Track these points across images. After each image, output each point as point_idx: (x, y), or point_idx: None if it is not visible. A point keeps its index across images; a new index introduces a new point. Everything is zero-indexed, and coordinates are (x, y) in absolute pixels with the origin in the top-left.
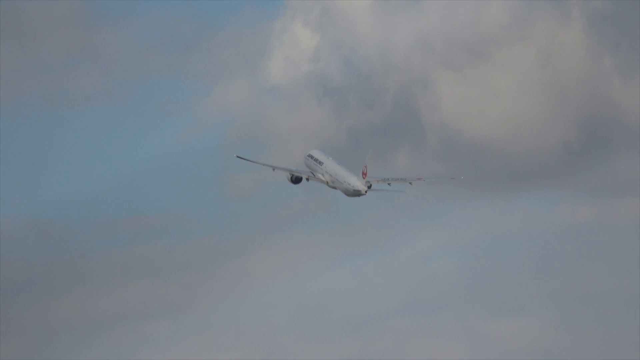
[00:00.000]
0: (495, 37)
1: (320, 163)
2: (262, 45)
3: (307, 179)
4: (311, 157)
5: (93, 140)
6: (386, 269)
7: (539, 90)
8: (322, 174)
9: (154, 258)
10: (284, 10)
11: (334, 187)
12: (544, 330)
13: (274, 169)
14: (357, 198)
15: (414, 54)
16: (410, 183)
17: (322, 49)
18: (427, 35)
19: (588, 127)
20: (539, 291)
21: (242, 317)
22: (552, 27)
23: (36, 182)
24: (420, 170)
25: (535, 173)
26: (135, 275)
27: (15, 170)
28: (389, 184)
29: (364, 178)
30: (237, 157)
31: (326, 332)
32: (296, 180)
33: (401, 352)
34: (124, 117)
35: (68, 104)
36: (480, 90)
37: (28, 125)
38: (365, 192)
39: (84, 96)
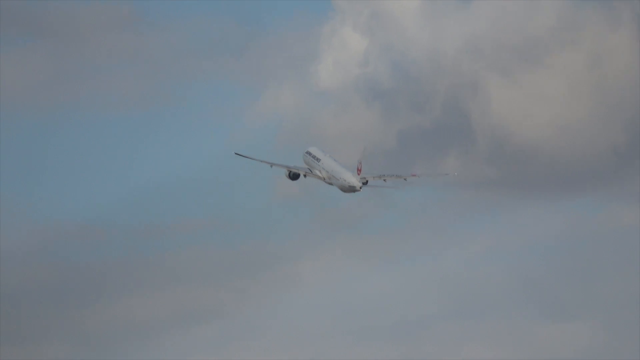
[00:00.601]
0: (545, 41)
1: (318, 160)
2: (312, 49)
3: (305, 175)
4: (309, 154)
5: (143, 143)
6: (434, 272)
7: (588, 94)
8: (319, 171)
9: (204, 262)
10: (333, 14)
11: (330, 183)
12: (590, 335)
13: (271, 165)
14: (352, 194)
15: (463, 57)
16: (404, 179)
17: (371, 52)
18: (476, 39)
19: (637, 131)
20: (585, 295)
21: (291, 322)
22: (602, 31)
23: (86, 186)
24: (469, 174)
25: (584, 177)
26: (185, 279)
27: (64, 174)
28: (384, 180)
29: (358, 174)
30: (236, 154)
31: (374, 336)
32: (294, 176)
33: (448, 356)
34: (174, 121)
35: (118, 108)
36: (530, 94)
37: (78, 129)
38: (360, 188)
39: (134, 100)
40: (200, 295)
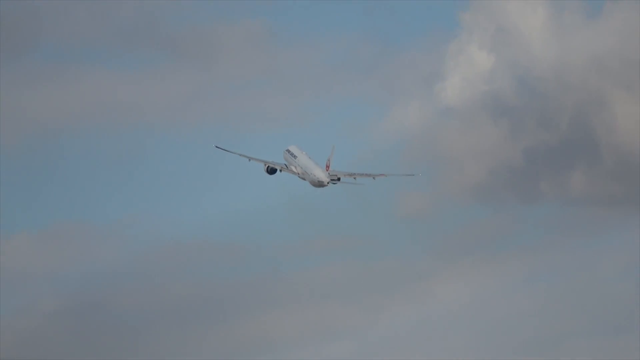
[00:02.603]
0: None
1: (295, 157)
2: (438, 67)
3: (281, 170)
4: (289, 151)
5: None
6: (567, 290)
7: None
8: (295, 167)
9: (339, 279)
10: (460, 32)
11: (304, 179)
12: None
13: (249, 160)
14: (322, 188)
15: (589, 74)
16: (373, 178)
17: (497, 69)
18: (602, 55)
19: None
20: None
21: (425, 339)
22: None
23: (222, 204)
24: (596, 191)
25: None
26: (321, 296)
27: (196, 191)
28: (354, 178)
29: (327, 170)
30: (216, 147)
31: (509, 353)
32: (271, 171)
33: None
34: (303, 138)
35: (250, 126)
36: None
37: (213, 145)
38: (328, 183)
39: (266, 118)
40: (334, 312)
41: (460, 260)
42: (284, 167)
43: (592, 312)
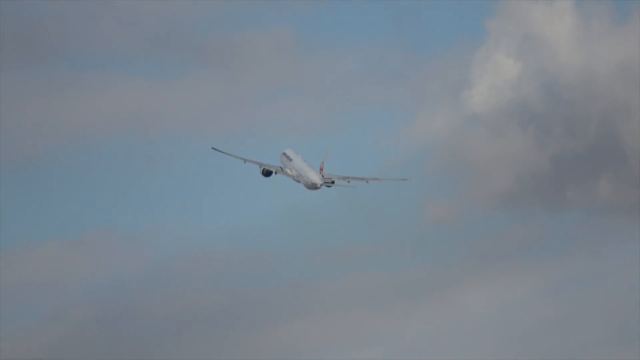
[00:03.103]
0: None
1: (290, 160)
2: (465, 74)
3: (276, 173)
4: (285, 154)
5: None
6: (594, 298)
7: None
8: (290, 169)
9: (367, 287)
10: (486, 39)
11: (298, 181)
12: None
13: (245, 162)
14: (316, 191)
15: (616, 81)
16: (367, 182)
17: (524, 76)
18: (630, 61)
19: None
20: None
21: (452, 346)
22: None
23: (248, 212)
24: (623, 199)
25: None
26: (349, 304)
27: (226, 200)
28: (348, 181)
29: (320, 173)
30: (213, 148)
31: None
32: (267, 173)
33: None
34: (329, 145)
35: (276, 134)
36: None
37: (241, 154)
38: (321, 185)
39: (293, 126)
40: (362, 320)
41: (487, 268)
42: (280, 169)
43: (620, 320)
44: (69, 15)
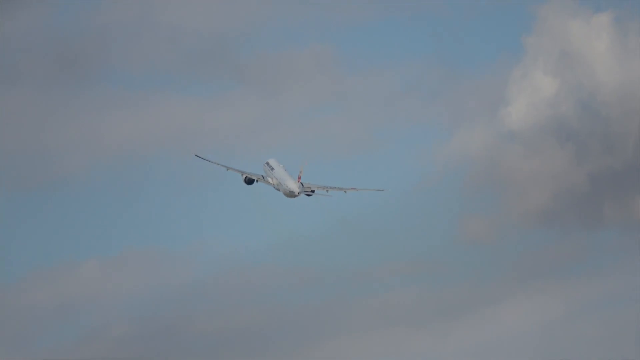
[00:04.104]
0: None
1: (272, 169)
2: (503, 91)
3: (257, 181)
4: (267, 164)
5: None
6: (633, 314)
7: None
8: (271, 178)
9: (408, 304)
10: (524, 56)
11: (278, 189)
12: None
13: (227, 169)
14: (294, 199)
15: None
16: (345, 191)
17: (561, 93)
18: None
19: None
20: None
21: None
22: None
23: (292, 228)
24: None
25: None
26: (389, 322)
27: (265, 215)
28: (327, 190)
29: (299, 181)
30: (196, 155)
31: None
32: (249, 181)
33: None
34: (368, 162)
35: (317, 152)
36: None
37: None
38: (299, 193)
39: (332, 143)
40: (403, 337)
41: (527, 286)
42: (261, 177)
43: None
44: (110, 33)
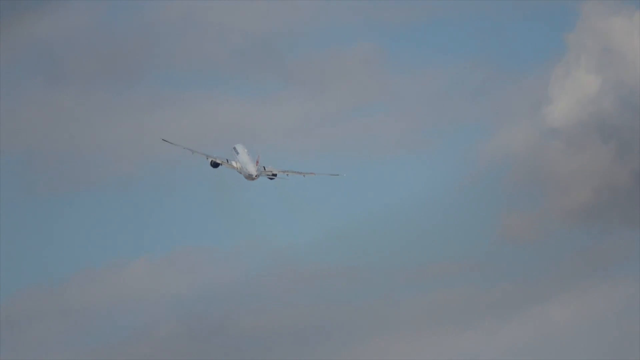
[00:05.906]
0: None
1: (238, 154)
2: (545, 88)
3: (222, 164)
4: (234, 149)
5: (391, 185)
6: None
7: None
8: (235, 162)
9: (454, 304)
10: (566, 53)
11: (240, 173)
12: None
13: (192, 153)
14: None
15: None
16: (304, 175)
17: (604, 90)
18: None
19: None
20: None
21: None
22: None
23: (339, 226)
24: None
25: None
26: (436, 321)
27: (314, 214)
28: (287, 174)
29: (257, 165)
30: (163, 140)
31: None
32: (214, 165)
33: None
34: (412, 161)
35: (360, 152)
36: None
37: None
38: (257, 176)
39: (379, 142)
40: (450, 336)
41: (572, 284)
42: (225, 161)
43: None
44: (156, 33)
